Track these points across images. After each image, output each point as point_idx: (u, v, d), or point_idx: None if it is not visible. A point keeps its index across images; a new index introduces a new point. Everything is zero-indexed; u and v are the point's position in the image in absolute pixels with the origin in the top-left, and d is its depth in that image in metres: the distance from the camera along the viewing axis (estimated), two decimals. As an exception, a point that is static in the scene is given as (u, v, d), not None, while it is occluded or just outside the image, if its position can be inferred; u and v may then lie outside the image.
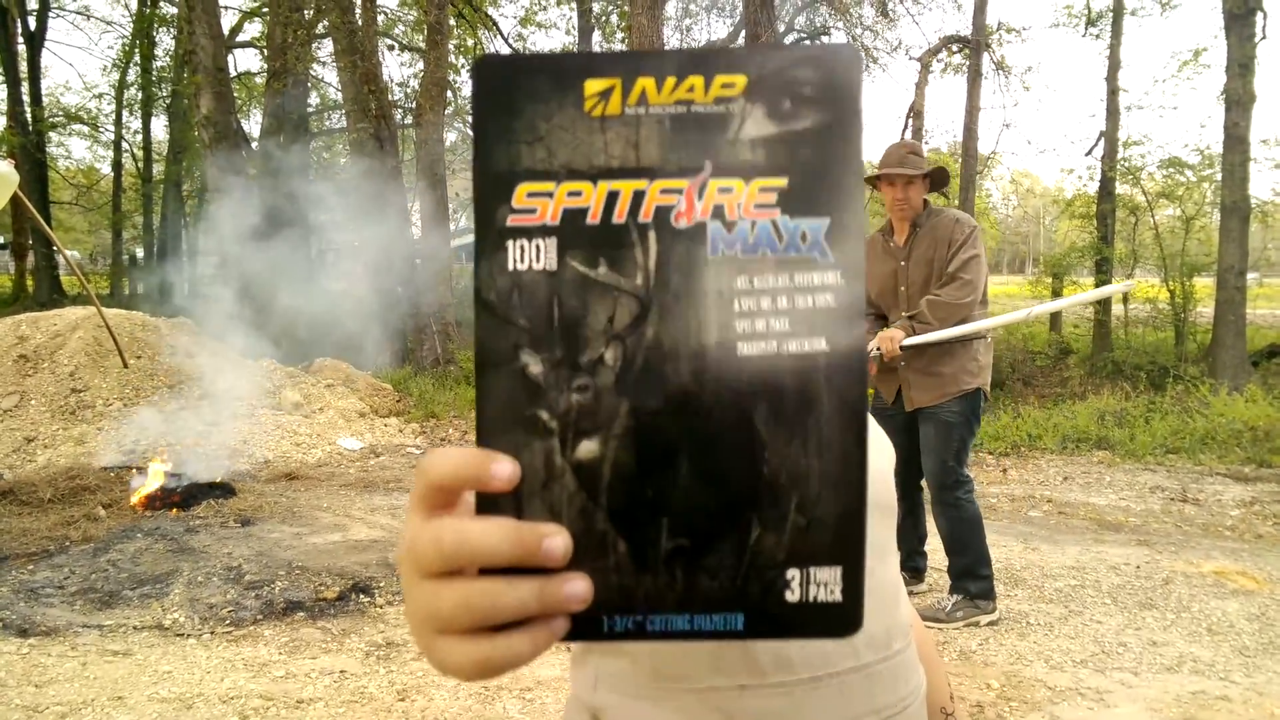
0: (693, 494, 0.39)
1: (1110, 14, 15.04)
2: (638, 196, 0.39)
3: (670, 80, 0.39)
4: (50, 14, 24.34)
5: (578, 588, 0.39)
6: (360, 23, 12.95)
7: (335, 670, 3.50)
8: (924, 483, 4.14)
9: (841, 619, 0.40)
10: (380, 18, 17.42)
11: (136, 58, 25.04)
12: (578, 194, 0.39)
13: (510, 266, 0.39)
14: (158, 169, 27.41)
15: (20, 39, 22.39)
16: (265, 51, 18.59)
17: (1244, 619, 3.98)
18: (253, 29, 24.25)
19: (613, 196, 0.39)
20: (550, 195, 0.39)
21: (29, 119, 21.94)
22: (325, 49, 18.17)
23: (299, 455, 7.50)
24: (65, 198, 28.21)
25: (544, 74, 0.39)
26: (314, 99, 21.80)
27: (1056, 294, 13.74)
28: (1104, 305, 13.05)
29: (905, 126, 15.99)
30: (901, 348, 3.88)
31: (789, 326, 0.39)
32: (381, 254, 10.89)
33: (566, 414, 0.39)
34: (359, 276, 11.42)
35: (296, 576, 4.37)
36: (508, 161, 0.39)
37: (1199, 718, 3.13)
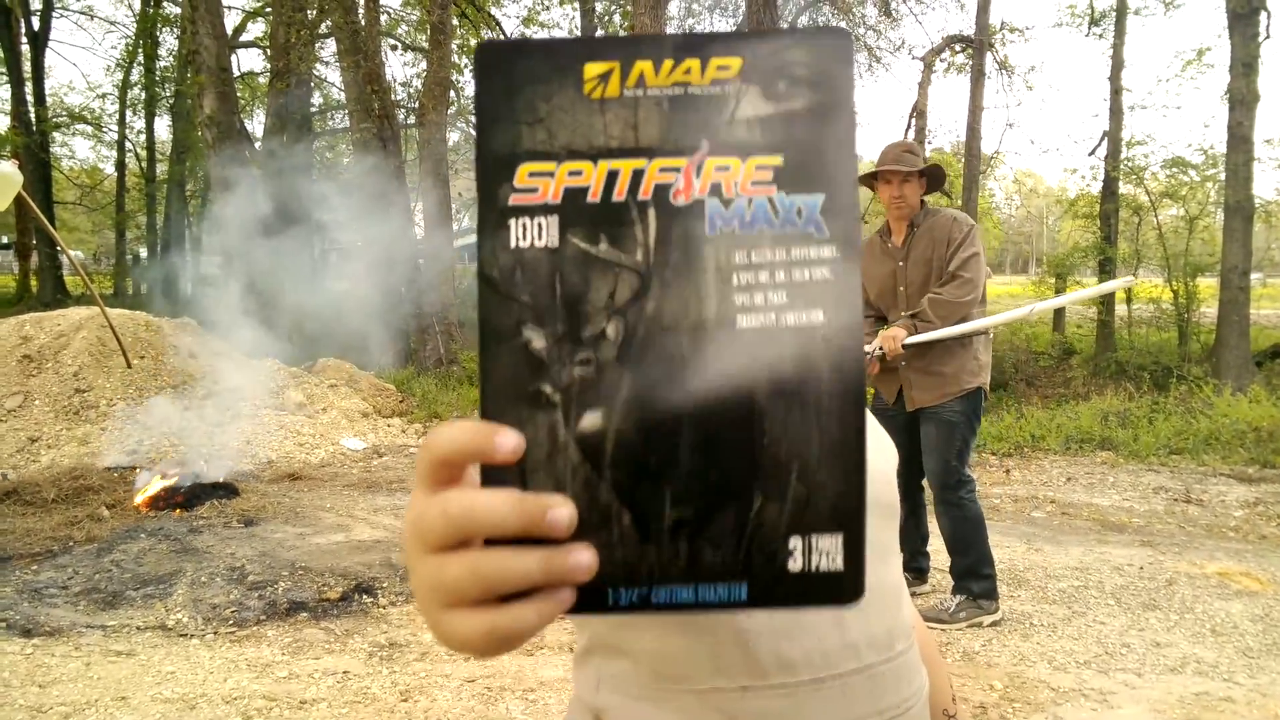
0: (695, 465, 0.40)
1: (1113, 13, 15.02)
2: (637, 175, 0.40)
3: (668, 63, 0.40)
4: (54, 14, 24.40)
5: (583, 558, 0.39)
6: (363, 22, 12.96)
7: (338, 671, 3.50)
8: (925, 482, 4.14)
9: (843, 587, 0.40)
10: (383, 17, 17.43)
11: (140, 57, 25.09)
12: (578, 173, 0.40)
13: (513, 244, 0.40)
14: (161, 169, 27.47)
15: (24, 39, 22.43)
16: (268, 51, 18.60)
17: (1247, 620, 3.98)
18: (256, 29, 24.29)
19: (612, 175, 0.40)
20: (551, 175, 0.40)
21: (33, 119, 21.99)
22: (328, 49, 18.21)
23: (302, 455, 7.51)
24: (69, 198, 28.26)
25: (544, 58, 0.40)
26: (317, 99, 21.84)
27: (1060, 294, 13.72)
28: (1107, 305, 13.03)
29: (908, 126, 15.98)
30: (904, 346, 3.88)
31: (787, 300, 0.40)
32: (385, 254, 10.90)
33: (569, 388, 0.40)
34: (362, 276, 11.42)
35: (300, 577, 4.37)
36: (509, 143, 0.40)
37: (1202, 719, 3.12)
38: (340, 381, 9.30)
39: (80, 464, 6.51)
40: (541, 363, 0.40)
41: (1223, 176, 11.88)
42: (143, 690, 3.30)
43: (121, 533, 5.00)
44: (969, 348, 3.98)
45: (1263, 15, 11.10)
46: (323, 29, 15.73)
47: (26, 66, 22.27)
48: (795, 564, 0.40)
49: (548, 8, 21.34)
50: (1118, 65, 14.42)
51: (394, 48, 20.51)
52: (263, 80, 23.45)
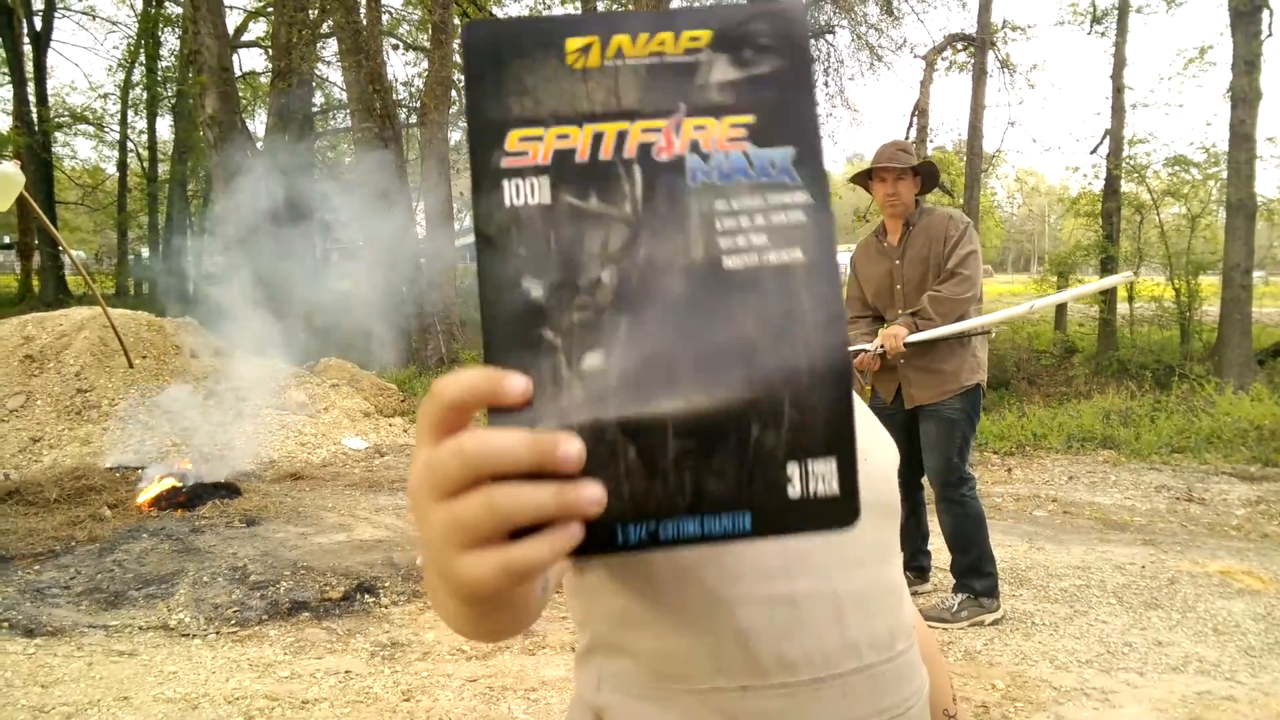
0: (694, 398, 0.41)
1: (1115, 11, 15.00)
2: (621, 136, 0.43)
3: (643, 35, 0.43)
4: (56, 14, 24.40)
5: (593, 490, 0.40)
6: (365, 22, 12.97)
7: (340, 670, 3.51)
8: (925, 481, 4.14)
9: (840, 511, 0.42)
10: (385, 17, 17.44)
11: (142, 58, 25.09)
12: (565, 136, 0.42)
13: (507, 203, 0.42)
14: (163, 169, 27.48)
15: (26, 39, 22.44)
16: (270, 51, 18.61)
17: (1250, 619, 3.98)
18: (258, 29, 24.32)
19: (598, 137, 0.43)
20: (540, 139, 0.42)
21: (35, 119, 22.00)
22: (330, 48, 18.21)
23: (304, 455, 7.52)
24: (71, 198, 28.28)
25: (528, 34, 0.43)
26: (319, 98, 21.84)
27: (1061, 292, 13.72)
28: (1109, 304, 13.02)
29: (910, 124, 15.97)
30: (905, 345, 3.88)
31: (767, 241, 0.43)
32: (386, 253, 10.91)
33: (570, 331, 0.41)
34: (364, 276, 11.43)
35: (301, 577, 4.38)
36: (499, 111, 0.42)
37: (1205, 718, 3.12)
38: (342, 381, 9.30)
39: (82, 464, 6.52)
40: (541, 310, 0.41)
41: (1225, 174, 11.86)
42: (145, 690, 3.31)
43: (123, 533, 5.00)
44: (967, 345, 3.99)
45: (1265, 13, 11.08)
46: (324, 29, 15.73)
47: (29, 67, 22.28)
48: (795, 490, 0.42)
49: (549, 8, 21.35)
50: (1120, 63, 14.40)
51: (395, 47, 20.53)
52: (264, 80, 23.47)
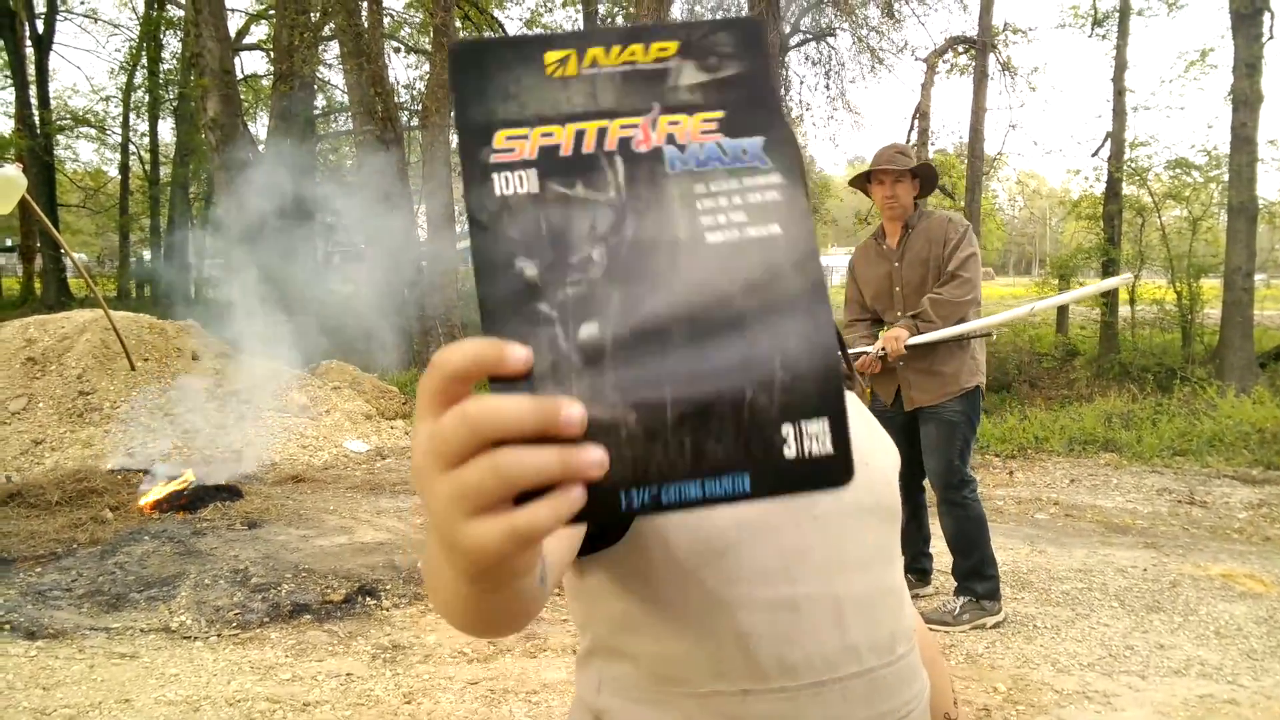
0: (689, 364, 0.43)
1: (1116, 14, 15.01)
2: (601, 132, 0.46)
3: (616, 48, 0.47)
4: (58, 17, 24.43)
5: (596, 453, 0.41)
6: (366, 25, 12.98)
7: (342, 673, 3.51)
8: (926, 483, 4.14)
9: (835, 469, 0.43)
10: (386, 20, 17.46)
11: (144, 60, 25.10)
12: (549, 135, 0.45)
13: (497, 193, 0.44)
14: (165, 171, 27.50)
15: (28, 42, 22.47)
16: (272, 54, 18.64)
17: (1252, 622, 3.97)
18: (259, 31, 24.34)
19: (580, 134, 0.46)
20: (525, 138, 0.45)
21: (37, 122, 22.02)
22: (331, 51, 18.23)
23: (305, 458, 7.52)
24: (73, 200, 28.31)
25: (509, 49, 0.47)
26: (320, 101, 21.86)
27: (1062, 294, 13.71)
28: (1110, 307, 13.01)
29: (911, 127, 15.99)
30: (906, 347, 3.89)
31: (747, 218, 0.45)
32: (388, 256, 10.91)
33: (565, 304, 0.43)
34: (366, 278, 11.43)
35: (303, 579, 4.38)
36: (486, 114, 0.45)
37: (1207, 721, 3.12)
38: (343, 384, 9.30)
39: (84, 466, 6.52)
40: (536, 286, 0.43)
41: (1226, 177, 11.86)
42: (146, 692, 3.31)
43: (125, 535, 5.00)
44: (966, 348, 3.99)
45: (1266, 16, 11.09)
46: (326, 31, 15.75)
47: (31, 69, 22.30)
48: (790, 450, 0.43)
49: (550, 10, 21.38)
50: (1121, 66, 14.41)
51: (397, 50, 20.54)
52: (266, 83, 23.49)
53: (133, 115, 26.43)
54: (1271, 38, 11.34)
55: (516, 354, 0.41)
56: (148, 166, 27.41)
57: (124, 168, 26.96)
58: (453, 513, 0.41)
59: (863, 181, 4.15)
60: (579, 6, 19.91)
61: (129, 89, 25.73)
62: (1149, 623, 3.99)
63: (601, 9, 19.13)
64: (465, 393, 0.42)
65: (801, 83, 19.67)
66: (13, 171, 7.01)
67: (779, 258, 0.45)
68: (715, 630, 0.83)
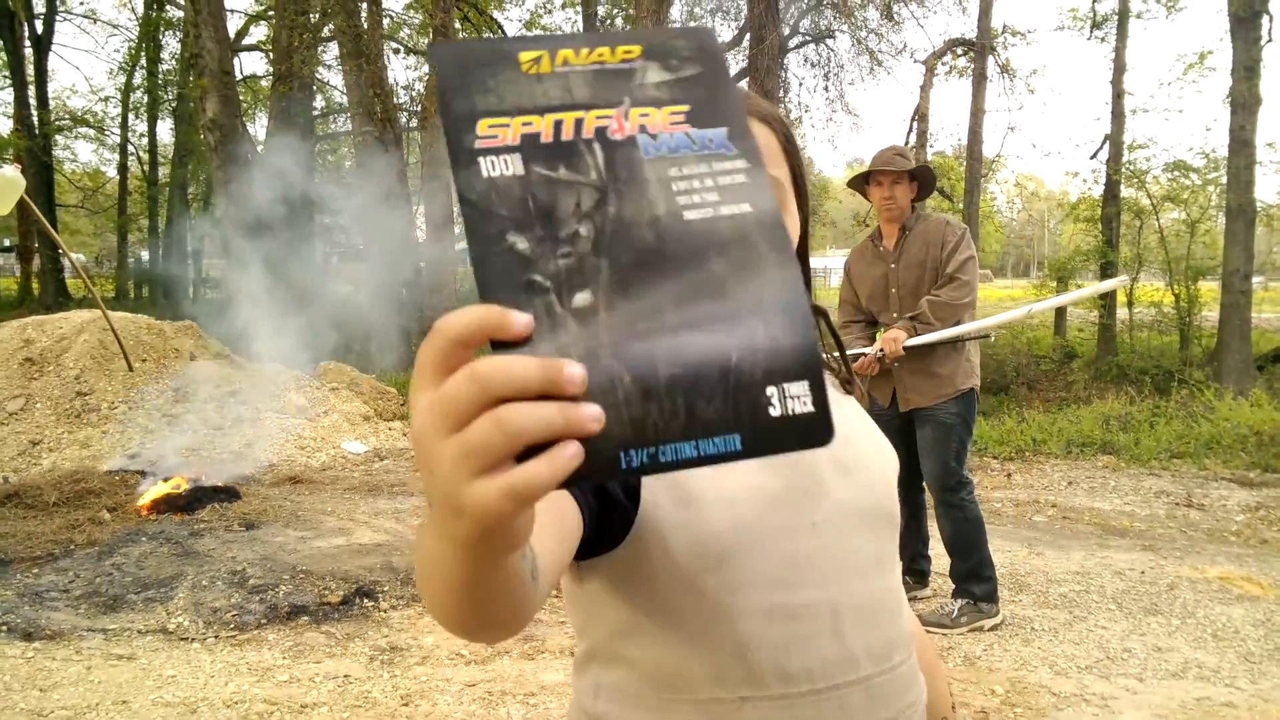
0: (677, 329, 0.45)
1: (1115, 17, 15.02)
2: (578, 122, 0.49)
3: (585, 50, 0.51)
4: (57, 17, 24.42)
5: (594, 409, 0.42)
6: (366, 26, 12.98)
7: (339, 675, 3.50)
8: (925, 484, 4.14)
9: (816, 429, 0.46)
10: (386, 21, 17.46)
11: (142, 61, 25.11)
12: (529, 124, 0.48)
13: (484, 174, 0.47)
14: (163, 172, 27.49)
15: (27, 42, 22.46)
16: (271, 55, 18.64)
17: (1249, 625, 3.98)
18: (258, 32, 24.34)
19: (558, 123, 0.48)
20: (507, 126, 0.48)
21: (35, 122, 22.01)
22: (331, 52, 18.22)
23: (303, 459, 7.51)
24: (71, 201, 28.27)
25: (485, 49, 0.50)
26: (319, 102, 21.86)
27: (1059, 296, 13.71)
28: (1108, 309, 13.02)
29: (910, 129, 15.99)
30: (904, 348, 3.89)
31: (719, 197, 0.49)
32: (386, 257, 10.90)
33: (557, 274, 0.45)
34: (364, 279, 11.42)
35: (301, 580, 4.37)
36: (468, 105, 0.48)
37: (1204, 724, 3.12)
38: (342, 385, 9.30)
39: (81, 467, 6.52)
40: (528, 258, 0.45)
41: (1224, 180, 11.88)
42: (143, 694, 3.31)
43: (122, 536, 5.00)
44: (961, 350, 4.01)
45: (1264, 19, 11.11)
46: (325, 32, 15.75)
47: (29, 70, 22.29)
48: (775, 410, 0.45)
49: (550, 11, 21.40)
50: (1119, 69, 14.43)
51: (396, 51, 20.52)
52: (265, 83, 23.49)
53: (131, 116, 26.45)
54: (1270, 41, 11.36)
55: (519, 318, 0.42)
56: (146, 167, 27.40)
57: (122, 168, 26.96)
58: (458, 474, 0.42)
59: (861, 183, 4.17)
60: (578, 8, 19.92)
61: (128, 89, 25.74)
62: (1146, 625, 4.00)
63: (601, 10, 19.14)
64: (467, 358, 0.42)
65: (800, 84, 19.68)
66: (11, 172, 7.00)
67: (751, 233, 0.48)
68: (714, 638, 0.83)
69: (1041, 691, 3.37)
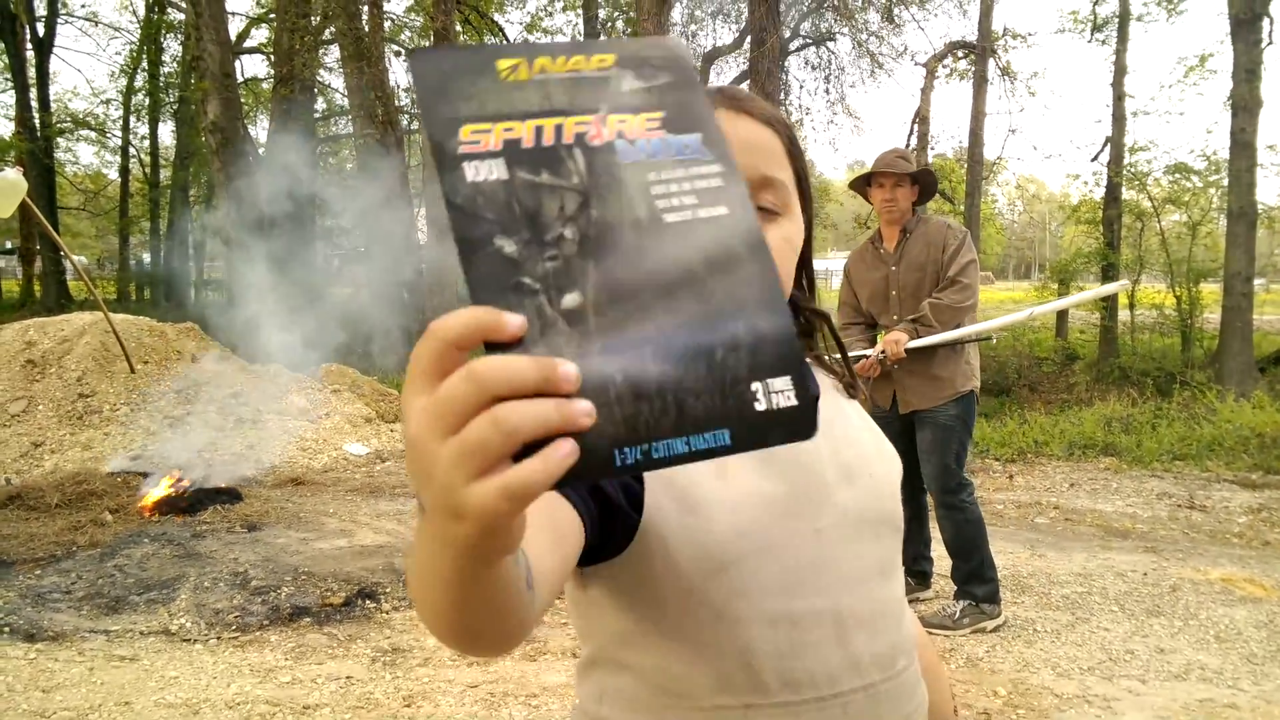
0: (664, 328, 0.46)
1: (1116, 20, 15.03)
2: (558, 128, 0.50)
3: (561, 58, 0.52)
4: (59, 20, 24.45)
5: (585, 403, 0.42)
6: (367, 29, 13.00)
7: (341, 676, 3.51)
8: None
9: (801, 422, 0.47)
10: (387, 24, 17.48)
11: (144, 63, 25.14)
12: (510, 130, 0.49)
13: (469, 179, 0.47)
14: (165, 174, 27.52)
15: (29, 45, 22.49)
16: (272, 57, 18.65)
17: (1252, 626, 3.97)
18: (260, 35, 24.38)
19: (539, 129, 0.49)
20: (489, 132, 0.48)
21: (37, 124, 22.04)
22: (332, 55, 18.24)
23: (305, 461, 7.51)
24: (73, 203, 28.33)
25: (463, 57, 0.51)
26: (320, 105, 21.88)
27: (1060, 299, 13.71)
28: (1110, 311, 13.03)
29: (911, 132, 16.00)
30: (905, 351, 3.89)
31: (696, 200, 0.50)
32: (388, 259, 10.91)
33: (545, 277, 0.46)
34: (366, 281, 11.42)
35: (303, 582, 4.37)
36: (450, 111, 0.49)
37: (1207, 726, 3.12)
38: (343, 386, 9.30)
39: (84, 469, 6.52)
40: (516, 261, 0.46)
41: (1225, 182, 11.89)
42: (146, 695, 3.31)
43: (125, 537, 5.00)
44: (961, 352, 4.01)
45: (1265, 21, 11.12)
46: (326, 35, 15.77)
47: (31, 72, 22.33)
48: (761, 405, 0.46)
49: (551, 14, 21.42)
50: (1120, 71, 14.44)
51: (398, 54, 20.53)
52: (266, 86, 23.50)
53: (133, 118, 26.49)
54: (1271, 43, 11.37)
55: (514, 320, 0.43)
56: (148, 169, 27.44)
57: (124, 171, 26.99)
58: (456, 477, 0.42)
59: (862, 184, 4.17)
60: (579, 10, 19.94)
61: (129, 92, 25.77)
62: (1149, 627, 3.99)
63: (602, 13, 19.16)
64: (462, 360, 0.42)
65: (801, 87, 19.66)
66: (13, 175, 7.02)
67: (728, 234, 0.50)
68: (718, 645, 0.82)
69: (1044, 693, 3.37)
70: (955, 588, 4.04)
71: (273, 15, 18.53)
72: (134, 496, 5.82)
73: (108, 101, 26.78)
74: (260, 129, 23.47)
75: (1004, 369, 12.00)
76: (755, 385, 0.46)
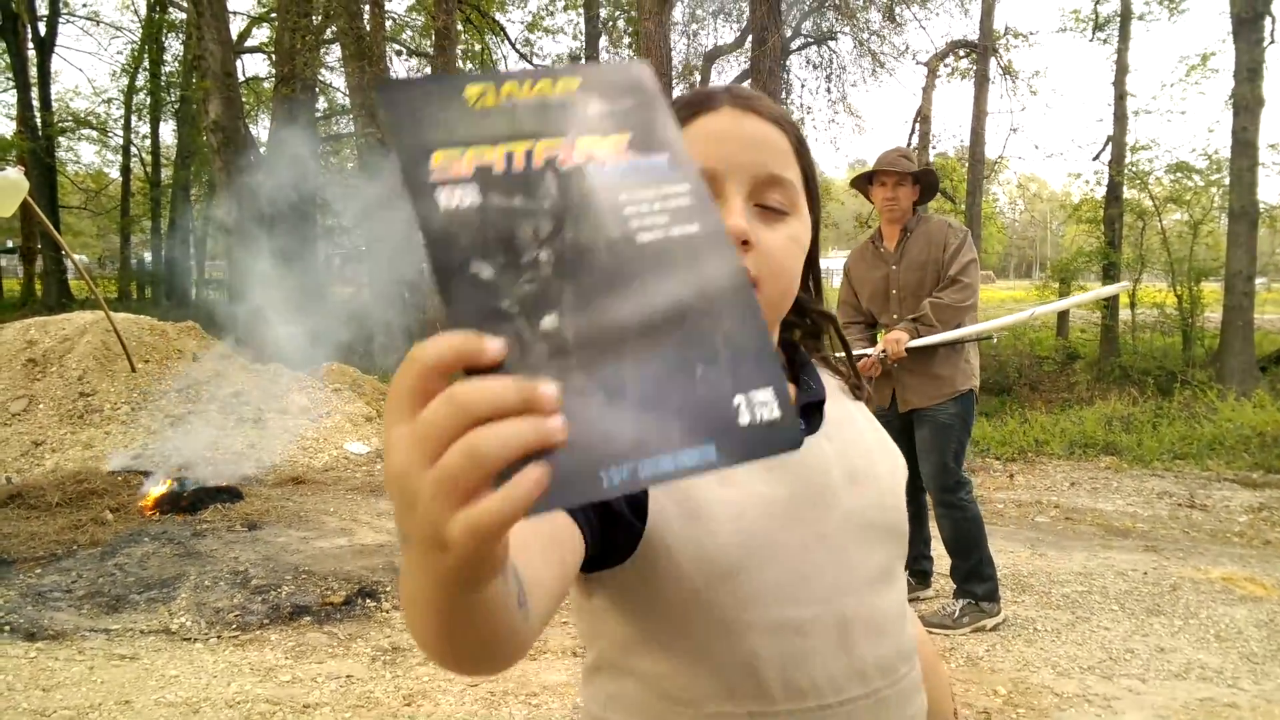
0: (644, 346, 0.47)
1: (1117, 19, 15.02)
2: (529, 152, 0.50)
3: (527, 83, 0.52)
4: (60, 19, 24.45)
5: (558, 419, 0.42)
6: (368, 28, 13.00)
7: (341, 675, 3.51)
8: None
9: (785, 434, 0.47)
10: (388, 23, 17.47)
11: (145, 63, 25.15)
12: (482, 155, 0.49)
13: (443, 207, 0.47)
14: (166, 174, 27.54)
15: (30, 44, 22.50)
16: (274, 57, 18.66)
17: (1252, 625, 3.97)
18: (261, 34, 24.37)
19: (510, 154, 0.50)
20: (461, 158, 0.49)
21: (39, 124, 22.05)
22: (333, 54, 18.24)
23: (305, 460, 7.52)
24: (74, 202, 28.35)
25: (432, 86, 0.51)
26: (322, 104, 21.88)
27: (1062, 298, 13.71)
28: (1111, 310, 13.02)
29: (912, 131, 15.99)
30: (906, 350, 3.89)
31: (668, 220, 0.50)
32: (389, 258, 10.90)
33: (523, 300, 0.46)
34: (366, 280, 11.42)
35: (303, 581, 4.38)
36: (420, 139, 0.49)
37: (1207, 725, 3.12)
38: (344, 385, 9.30)
39: (84, 468, 6.52)
40: (493, 286, 0.46)
41: (1227, 181, 11.88)
42: (146, 694, 3.31)
43: (125, 536, 5.00)
44: (960, 351, 4.01)
45: (1267, 21, 11.11)
46: (328, 34, 15.76)
47: (33, 72, 22.33)
48: (745, 418, 0.46)
49: (552, 13, 21.41)
50: (1122, 70, 14.43)
51: (399, 53, 20.54)
52: (268, 85, 23.51)
53: (134, 117, 26.51)
54: (1273, 42, 11.36)
55: (495, 344, 0.42)
56: (149, 169, 27.46)
57: (125, 170, 27.01)
58: (441, 508, 0.41)
59: (864, 183, 4.17)
60: (580, 10, 19.93)
61: (131, 91, 25.78)
62: (1149, 626, 3.99)
63: (603, 12, 19.15)
64: (443, 386, 0.42)
65: (803, 86, 19.66)
66: (14, 174, 7.02)
67: (701, 251, 0.50)
68: (722, 653, 0.82)
69: (1044, 692, 3.37)
70: (954, 587, 4.03)
71: (274, 14, 18.53)
72: (134, 495, 5.82)
73: (109, 101, 26.81)
74: (262, 128, 23.50)
75: (1005, 368, 12.00)
76: (738, 399, 0.46)
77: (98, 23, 26.88)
